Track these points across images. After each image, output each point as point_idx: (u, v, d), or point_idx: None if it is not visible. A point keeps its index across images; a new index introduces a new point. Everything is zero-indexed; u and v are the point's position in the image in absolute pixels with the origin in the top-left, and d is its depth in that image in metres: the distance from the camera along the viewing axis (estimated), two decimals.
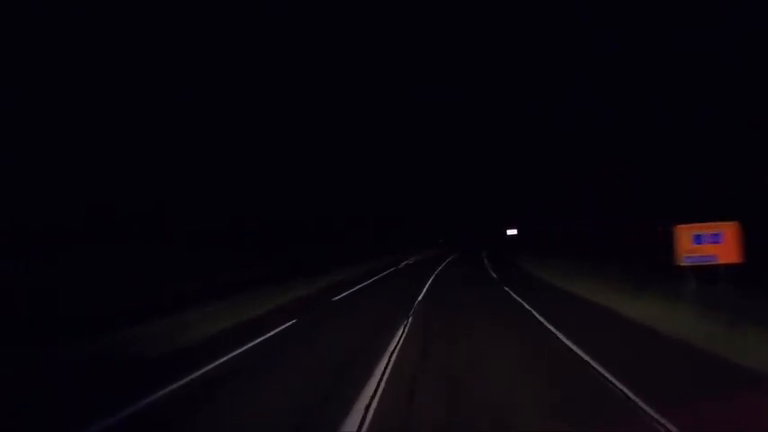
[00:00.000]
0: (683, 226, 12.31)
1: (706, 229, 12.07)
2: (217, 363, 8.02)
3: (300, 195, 47.32)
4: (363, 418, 5.31)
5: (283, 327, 11.13)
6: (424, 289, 18.79)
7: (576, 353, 7.95)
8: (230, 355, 8.50)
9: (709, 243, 11.87)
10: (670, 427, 4.78)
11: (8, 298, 13.39)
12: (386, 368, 7.29)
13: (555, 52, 63.86)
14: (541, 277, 22.91)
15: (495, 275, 25.24)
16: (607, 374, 6.58)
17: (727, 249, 11.71)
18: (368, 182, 69.20)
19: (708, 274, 12.22)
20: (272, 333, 10.41)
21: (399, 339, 9.47)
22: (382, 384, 6.50)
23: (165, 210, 30.11)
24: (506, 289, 18.24)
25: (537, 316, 11.77)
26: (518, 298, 15.41)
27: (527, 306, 13.52)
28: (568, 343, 8.65)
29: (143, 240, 25.66)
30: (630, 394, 5.76)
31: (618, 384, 6.18)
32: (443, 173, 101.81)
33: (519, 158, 78.71)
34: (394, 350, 8.53)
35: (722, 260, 11.75)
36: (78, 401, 6.44)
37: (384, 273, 27.58)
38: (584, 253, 34.55)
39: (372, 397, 5.98)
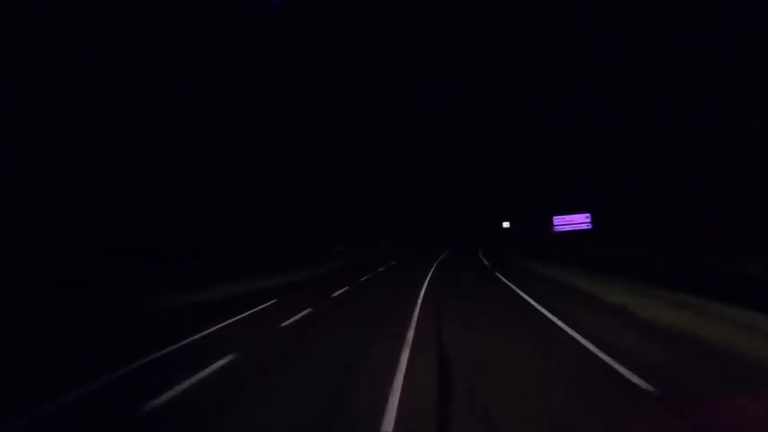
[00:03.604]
0: None
1: None
2: None
3: (300, 195, 47.38)
4: None
5: None
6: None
7: None
8: None
9: None
10: None
11: None
12: None
13: (555, 52, 64.03)
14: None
15: None
16: None
17: None
18: (367, 182, 69.30)
19: None
20: None
21: None
22: None
23: (165, 210, 30.10)
24: None
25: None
26: None
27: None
28: None
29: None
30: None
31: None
32: (444, 173, 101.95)
33: (519, 158, 78.88)
34: None
35: None
36: None
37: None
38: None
39: None
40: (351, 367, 7.46)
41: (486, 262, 32.66)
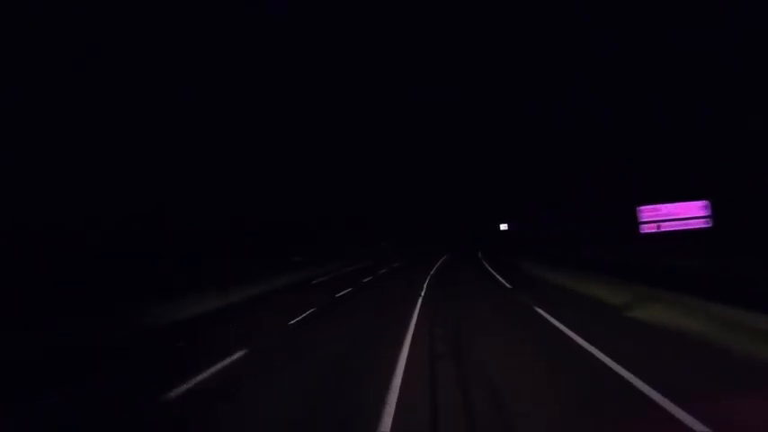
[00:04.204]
0: None
1: None
2: None
3: (300, 195, 47.42)
4: None
5: None
6: None
7: None
8: None
9: None
10: None
11: None
12: None
13: (555, 52, 64.18)
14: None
15: None
16: None
17: None
18: (367, 182, 69.37)
19: None
20: None
21: None
22: None
23: (165, 210, 30.09)
24: None
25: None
26: None
27: None
28: None
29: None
30: None
31: None
32: (444, 173, 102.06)
33: (519, 158, 78.97)
34: None
35: None
36: None
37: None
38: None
39: None
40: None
41: (493, 270, 26.15)
